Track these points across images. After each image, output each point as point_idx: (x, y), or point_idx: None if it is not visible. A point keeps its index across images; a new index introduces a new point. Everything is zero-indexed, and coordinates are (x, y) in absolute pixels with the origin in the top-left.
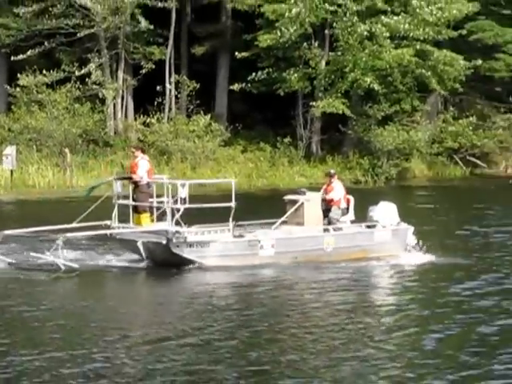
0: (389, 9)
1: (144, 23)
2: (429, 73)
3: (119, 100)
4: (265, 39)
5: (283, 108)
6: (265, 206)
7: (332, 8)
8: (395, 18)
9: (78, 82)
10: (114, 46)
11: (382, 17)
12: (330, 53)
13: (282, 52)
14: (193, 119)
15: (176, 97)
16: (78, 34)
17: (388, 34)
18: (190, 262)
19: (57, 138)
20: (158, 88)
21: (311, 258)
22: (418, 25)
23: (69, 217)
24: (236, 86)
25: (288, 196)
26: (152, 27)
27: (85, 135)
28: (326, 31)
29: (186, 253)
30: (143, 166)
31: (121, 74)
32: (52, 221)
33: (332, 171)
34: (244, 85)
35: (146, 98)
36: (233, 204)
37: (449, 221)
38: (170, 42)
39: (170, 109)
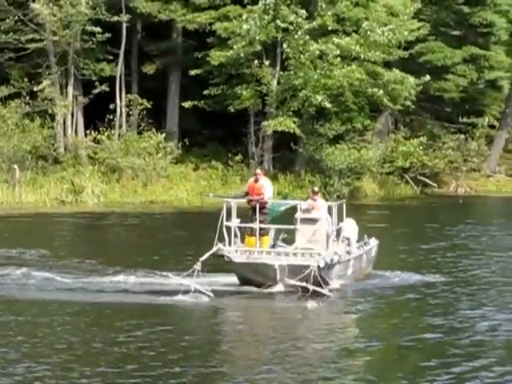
0: (340, 29)
1: (99, 36)
2: (380, 91)
3: (69, 116)
4: (217, 56)
5: (235, 126)
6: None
7: (284, 25)
8: (346, 38)
9: (28, 97)
10: (63, 62)
11: (334, 38)
12: (281, 71)
13: (234, 69)
14: (144, 136)
15: (127, 114)
16: (28, 49)
17: (339, 53)
18: (327, 283)
19: (6, 154)
20: (109, 106)
21: (359, 276)
22: (369, 46)
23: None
24: (188, 104)
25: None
26: (105, 39)
27: (34, 151)
28: (278, 49)
29: (327, 275)
30: (269, 187)
31: (71, 90)
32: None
33: (316, 189)
34: (196, 102)
35: (97, 114)
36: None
37: (402, 239)
38: (121, 59)
39: (120, 126)
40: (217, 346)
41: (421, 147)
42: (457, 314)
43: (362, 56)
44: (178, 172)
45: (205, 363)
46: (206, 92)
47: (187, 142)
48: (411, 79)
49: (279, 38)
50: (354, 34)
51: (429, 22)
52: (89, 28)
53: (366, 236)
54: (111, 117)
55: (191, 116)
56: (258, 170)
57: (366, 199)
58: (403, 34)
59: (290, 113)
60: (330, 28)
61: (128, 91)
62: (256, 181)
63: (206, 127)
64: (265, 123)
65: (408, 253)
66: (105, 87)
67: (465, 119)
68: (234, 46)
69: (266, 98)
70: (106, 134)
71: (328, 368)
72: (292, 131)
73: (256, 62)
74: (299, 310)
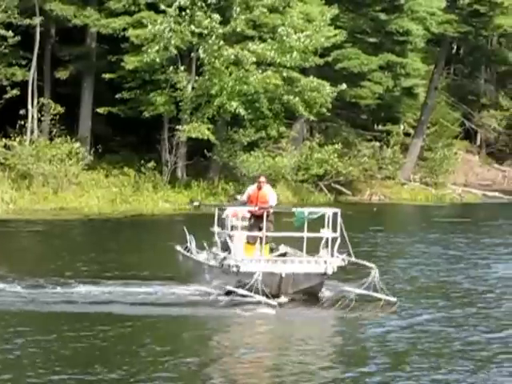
0: (256, 35)
1: (10, 39)
2: (296, 98)
3: None
4: (131, 61)
5: (149, 132)
6: (128, 231)
7: (198, 30)
8: (262, 45)
9: None
10: None
11: (250, 44)
12: (197, 77)
13: (149, 75)
14: (55, 142)
15: (39, 120)
16: None
17: (254, 60)
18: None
19: None
20: (20, 111)
21: None
22: (285, 52)
23: None
24: (102, 109)
25: None
26: (16, 43)
27: None
28: (193, 54)
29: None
30: (274, 194)
31: None
32: None
33: None
34: (110, 108)
35: (8, 120)
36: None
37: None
38: (34, 63)
39: (32, 132)
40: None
41: (336, 154)
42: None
43: (278, 61)
44: (89, 179)
45: None
46: (119, 96)
47: (100, 149)
48: (327, 87)
49: (194, 44)
50: (269, 40)
51: (345, 28)
52: (1, 32)
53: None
54: (22, 122)
55: (104, 122)
56: (263, 178)
57: (279, 207)
58: (319, 40)
59: (205, 119)
60: (245, 34)
61: (40, 96)
62: (260, 188)
63: (119, 133)
64: (179, 130)
65: None
66: (16, 92)
67: (380, 127)
68: (149, 51)
69: (180, 104)
70: (17, 139)
71: None
72: (206, 138)
73: (171, 67)
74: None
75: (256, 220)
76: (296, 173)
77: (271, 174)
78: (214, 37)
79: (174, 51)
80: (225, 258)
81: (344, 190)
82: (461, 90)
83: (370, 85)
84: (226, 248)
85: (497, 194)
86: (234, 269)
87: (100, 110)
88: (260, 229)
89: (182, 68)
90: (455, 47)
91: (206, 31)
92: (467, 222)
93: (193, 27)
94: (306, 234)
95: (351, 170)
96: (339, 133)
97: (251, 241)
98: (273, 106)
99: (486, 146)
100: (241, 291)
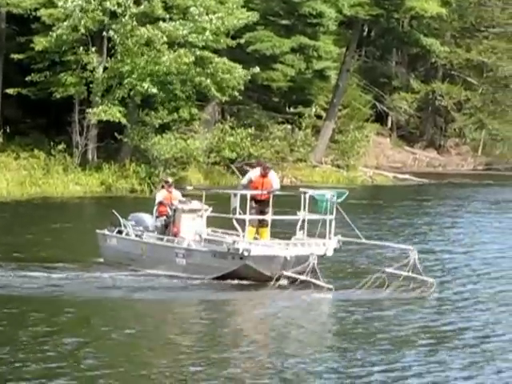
0: (167, 16)
1: None
2: (208, 80)
3: None
4: (40, 41)
5: (59, 114)
6: (37, 214)
7: (110, 5)
8: (174, 23)
9: None
10: None
11: (161, 22)
12: (108, 58)
13: (59, 56)
14: None
15: None
16: None
17: (166, 40)
18: None
19: None
20: None
21: None
22: (197, 32)
23: None
24: (11, 91)
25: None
26: None
27: None
28: (104, 34)
29: None
30: (278, 180)
31: None
32: None
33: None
34: (19, 89)
35: None
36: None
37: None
38: None
39: None
40: None
41: (248, 137)
42: None
43: (190, 40)
44: None
45: None
46: (28, 78)
47: (9, 131)
48: (239, 69)
49: (106, 24)
50: (181, 21)
51: (258, 10)
52: None
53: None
54: None
55: (14, 104)
56: (269, 165)
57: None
58: (232, 21)
59: (116, 101)
60: (158, 14)
61: None
62: (264, 176)
63: (29, 115)
64: (89, 112)
65: None
66: None
67: (292, 109)
68: (58, 31)
69: (91, 85)
70: None
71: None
72: (117, 120)
73: (81, 48)
74: None
75: (260, 205)
76: (208, 155)
77: (183, 156)
78: (126, 17)
79: (83, 30)
80: (234, 242)
81: None
82: (372, 73)
83: (282, 67)
84: (163, 232)
85: (407, 176)
86: (245, 253)
87: (9, 91)
88: (261, 213)
89: (93, 49)
90: (367, 30)
91: (119, 10)
92: (377, 204)
93: (108, 3)
94: (306, 217)
95: (263, 153)
96: (251, 115)
97: (254, 224)
98: (185, 87)
99: (397, 128)
100: (299, 276)
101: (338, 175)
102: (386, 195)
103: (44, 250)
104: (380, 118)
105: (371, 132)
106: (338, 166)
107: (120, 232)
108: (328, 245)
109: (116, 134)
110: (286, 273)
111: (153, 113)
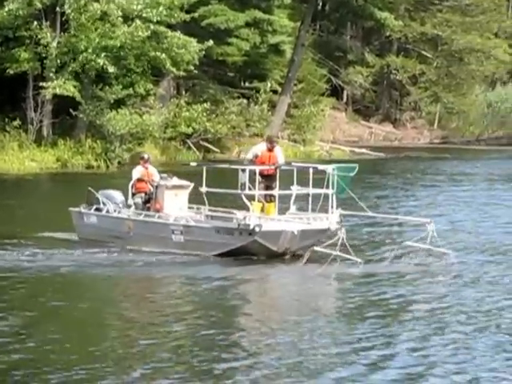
0: None
1: None
2: (163, 55)
3: None
4: None
5: (13, 90)
6: None
7: None
8: None
9: None
10: None
11: None
12: (62, 33)
13: (12, 31)
14: None
15: None
16: None
17: (121, 13)
18: None
19: None
20: None
21: None
22: (151, 6)
23: None
24: None
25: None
26: None
27: None
28: (58, 9)
29: None
30: (281, 154)
31: None
32: None
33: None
34: None
35: None
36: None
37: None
38: None
39: None
40: None
41: (204, 112)
42: None
43: (145, 15)
44: None
45: None
46: None
47: None
48: (194, 43)
49: None
50: None
51: None
52: None
53: None
54: None
55: None
56: (275, 139)
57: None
58: None
59: (70, 76)
60: None
61: None
62: (271, 150)
63: None
64: (44, 87)
65: None
66: None
67: (247, 84)
68: (11, 5)
69: (45, 61)
70: None
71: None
72: (72, 95)
73: (35, 23)
74: None
75: (266, 180)
76: (164, 131)
77: (138, 131)
78: None
79: (39, 5)
80: (244, 218)
81: (212, 147)
82: (327, 47)
83: (236, 42)
84: (142, 208)
85: (364, 150)
86: (257, 228)
87: None
88: (267, 188)
89: (47, 24)
90: (321, 3)
91: None
92: None
93: None
94: (311, 191)
95: (219, 128)
96: (206, 90)
97: (261, 200)
98: (140, 62)
99: (353, 102)
100: (330, 251)
101: (295, 150)
102: None
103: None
104: (335, 92)
105: (327, 106)
106: (295, 141)
107: (98, 209)
108: (331, 219)
109: (71, 110)
110: (316, 248)
111: (108, 88)
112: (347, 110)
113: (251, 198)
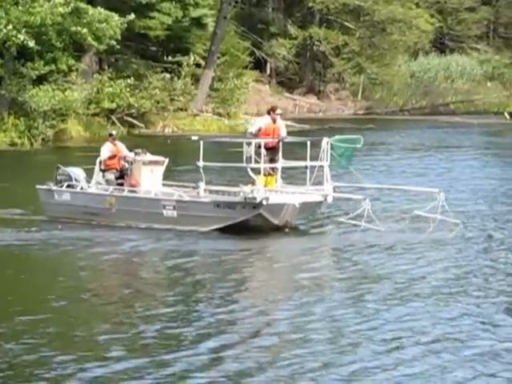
0: None
1: None
2: (84, 30)
3: None
4: None
5: None
6: None
7: None
8: None
9: None
10: None
11: None
12: None
13: None
14: None
15: None
16: None
17: None
18: None
19: None
20: None
21: None
22: None
23: None
24: None
25: None
26: None
27: None
28: None
29: None
30: (283, 126)
31: None
32: None
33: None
34: None
35: None
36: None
37: None
38: None
39: None
40: None
41: (127, 88)
42: None
43: None
44: None
45: None
46: None
47: None
48: (116, 17)
49: None
50: None
51: None
52: None
53: None
54: None
55: None
56: (279, 111)
57: (72, 141)
58: None
59: None
60: None
61: None
62: (275, 121)
63: None
64: None
65: None
66: None
67: (170, 58)
68: None
69: None
70: None
71: None
72: None
73: None
74: None
75: (270, 152)
76: (87, 107)
77: (61, 108)
78: None
79: None
80: (252, 191)
81: (137, 122)
82: (249, 19)
83: (158, 15)
84: (115, 185)
85: (289, 122)
86: (264, 201)
87: None
88: (271, 161)
89: None
90: None
91: None
92: None
93: None
94: (308, 163)
95: (143, 103)
96: (129, 65)
97: (266, 173)
98: (61, 38)
99: (277, 75)
100: (356, 222)
101: (220, 123)
102: None
103: None
104: (259, 64)
105: (250, 79)
106: (220, 114)
107: (70, 186)
108: (328, 191)
109: None
110: (343, 219)
111: (29, 64)
112: (271, 83)
113: (256, 171)
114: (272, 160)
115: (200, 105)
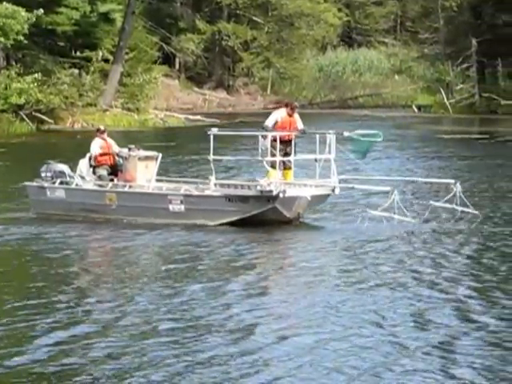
0: None
1: None
2: None
3: None
4: None
5: None
6: None
7: None
8: None
9: None
10: None
11: None
12: None
13: None
14: None
15: None
16: None
17: None
18: None
19: None
20: None
21: None
22: None
23: None
24: None
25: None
26: None
27: None
28: None
29: None
30: (299, 119)
31: None
32: None
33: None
34: None
35: None
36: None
37: (17, 175)
38: None
39: None
40: None
41: (35, 83)
42: None
43: None
44: None
45: None
46: None
47: None
48: (23, 13)
49: None
50: None
51: None
52: None
53: None
54: None
55: None
56: (296, 104)
57: None
58: None
59: None
60: None
61: None
62: (291, 115)
63: None
64: None
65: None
66: None
67: (79, 53)
68: None
69: None
70: None
71: None
72: None
73: None
74: None
75: (285, 146)
76: None
77: None
78: None
79: None
80: (269, 184)
81: (46, 118)
82: (158, 14)
83: (66, 10)
84: (108, 180)
85: (199, 117)
86: (281, 195)
87: None
88: (285, 154)
89: None
90: None
91: None
92: (171, 145)
93: None
94: (318, 156)
95: (52, 99)
96: (37, 61)
97: (280, 167)
98: None
99: (186, 70)
100: (385, 213)
101: (130, 118)
102: (179, 137)
103: None
104: (168, 59)
105: (159, 74)
106: (129, 110)
107: (63, 183)
108: (335, 183)
109: None
110: (372, 212)
111: None
112: (180, 78)
113: (271, 165)
114: (286, 154)
115: (109, 100)
